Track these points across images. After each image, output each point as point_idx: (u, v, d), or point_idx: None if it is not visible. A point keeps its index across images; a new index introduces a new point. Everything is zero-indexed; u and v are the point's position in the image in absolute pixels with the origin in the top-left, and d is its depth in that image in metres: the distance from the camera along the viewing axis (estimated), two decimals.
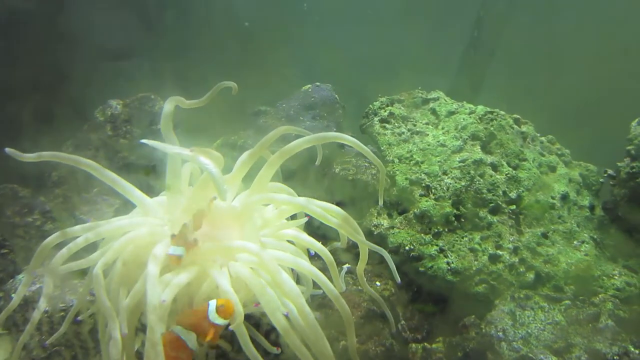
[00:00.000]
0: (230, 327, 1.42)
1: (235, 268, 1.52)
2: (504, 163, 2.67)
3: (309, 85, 3.31)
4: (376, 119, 3.04)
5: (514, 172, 2.64)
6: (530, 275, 2.35)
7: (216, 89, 1.91)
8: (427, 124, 2.99)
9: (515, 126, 2.94)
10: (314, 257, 1.78)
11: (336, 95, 3.25)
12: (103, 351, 1.55)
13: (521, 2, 5.69)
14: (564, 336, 1.91)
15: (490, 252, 2.38)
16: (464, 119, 2.87)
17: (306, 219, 1.79)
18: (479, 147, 2.73)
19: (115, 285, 1.47)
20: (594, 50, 6.07)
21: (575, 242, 2.53)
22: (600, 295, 2.15)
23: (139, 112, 2.87)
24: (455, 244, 2.40)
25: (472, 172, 2.57)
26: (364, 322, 2.04)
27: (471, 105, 3.04)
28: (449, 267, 2.33)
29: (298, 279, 1.81)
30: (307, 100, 3.14)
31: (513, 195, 2.56)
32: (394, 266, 1.80)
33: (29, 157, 1.47)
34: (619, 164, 2.60)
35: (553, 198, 2.66)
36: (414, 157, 2.72)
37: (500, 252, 2.38)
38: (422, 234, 2.43)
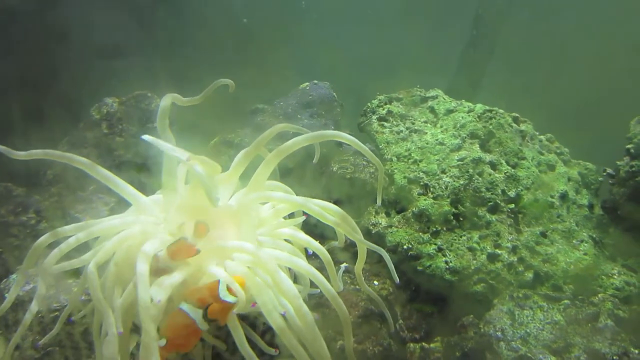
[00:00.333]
0: (227, 325, 1.40)
1: (231, 267, 1.50)
2: (503, 162, 2.66)
3: (307, 83, 3.29)
4: (374, 117, 3.02)
5: (512, 170, 2.63)
6: (529, 275, 2.34)
7: (212, 87, 1.89)
8: (425, 122, 2.97)
9: (514, 125, 2.93)
10: (311, 256, 1.77)
11: (334, 93, 3.24)
12: (97, 350, 1.53)
13: (520, 0, 5.69)
14: (563, 336, 1.89)
15: (489, 251, 2.36)
16: (462, 118, 2.85)
17: (304, 217, 1.78)
18: (478, 146, 2.71)
19: (109, 284, 1.45)
20: (593, 49, 6.06)
21: (574, 241, 2.52)
22: (599, 295, 2.14)
23: (135, 110, 2.85)
24: (453, 243, 2.39)
25: (470, 170, 2.56)
26: (362, 321, 2.02)
27: (470, 104, 3.02)
28: (447, 266, 2.31)
29: (295, 278, 1.80)
30: (305, 98, 3.12)
31: (512, 194, 2.55)
32: (392, 266, 1.78)
33: (20, 154, 1.45)
34: (618, 162, 2.59)
35: (552, 197, 2.65)
36: (413, 155, 2.70)
37: (499, 251, 2.37)
38: (421, 233, 2.42)
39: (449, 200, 2.48)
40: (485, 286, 2.29)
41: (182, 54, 4.24)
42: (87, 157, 1.58)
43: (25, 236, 2.37)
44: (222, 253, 1.56)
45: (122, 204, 1.74)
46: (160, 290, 1.34)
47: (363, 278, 1.94)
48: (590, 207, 2.72)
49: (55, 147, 2.80)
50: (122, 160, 2.71)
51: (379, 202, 2.03)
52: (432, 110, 3.04)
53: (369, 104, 3.15)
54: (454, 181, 2.53)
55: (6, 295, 1.83)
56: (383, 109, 3.04)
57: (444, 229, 2.43)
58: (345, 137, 1.74)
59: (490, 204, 2.51)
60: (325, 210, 1.68)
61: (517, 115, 3.03)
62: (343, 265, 2.31)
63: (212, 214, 1.71)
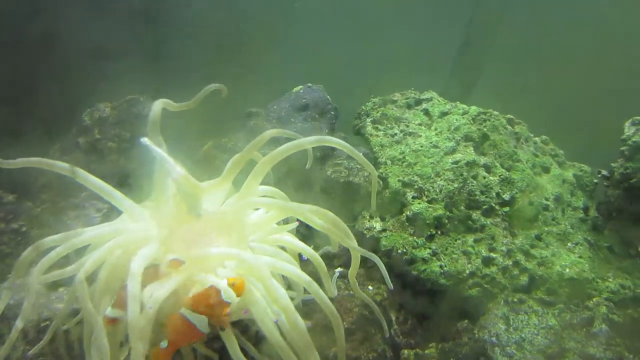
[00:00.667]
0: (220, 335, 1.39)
1: (222, 275, 1.48)
2: (497, 164, 2.65)
3: (301, 87, 3.27)
4: (368, 120, 3.01)
5: (507, 173, 2.62)
6: (524, 279, 2.33)
7: (204, 92, 1.88)
8: (420, 124, 2.96)
9: (508, 127, 2.92)
10: (306, 262, 1.76)
11: (328, 97, 3.22)
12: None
13: (514, 2, 5.69)
14: (558, 341, 1.89)
15: (484, 254, 2.35)
16: (457, 120, 2.85)
17: (297, 223, 1.77)
18: (472, 149, 2.71)
19: (99, 294, 1.44)
20: (588, 50, 6.07)
21: (569, 244, 2.51)
22: (594, 299, 2.13)
23: (127, 114, 2.83)
24: (448, 247, 2.38)
25: (465, 173, 2.55)
26: (356, 327, 2.01)
27: (464, 106, 3.02)
28: (441, 271, 2.30)
29: (289, 284, 1.79)
30: (299, 101, 3.11)
31: (506, 196, 2.54)
32: (386, 272, 1.77)
33: (5, 163, 1.44)
34: (612, 164, 2.58)
35: (547, 199, 2.64)
36: (407, 158, 2.69)
37: (494, 255, 2.36)
38: (415, 237, 2.40)
39: (443, 203, 2.47)
40: (480, 290, 2.28)
41: (175, 58, 4.22)
42: (78, 163, 1.57)
43: (17, 244, 2.35)
44: (213, 260, 1.55)
45: (115, 211, 1.72)
46: (150, 301, 1.33)
47: (357, 283, 1.92)
48: (585, 209, 2.72)
49: (46, 153, 2.78)
50: (115, 167, 2.69)
51: (373, 207, 2.03)
52: (426, 112, 3.03)
53: (363, 107, 3.14)
54: (448, 184, 2.52)
55: None
56: (377, 112, 3.03)
57: (439, 232, 2.42)
58: (337, 142, 1.72)
59: (484, 207, 2.50)
60: (319, 216, 1.66)
61: (511, 117, 3.03)
62: (337, 271, 2.29)
63: (203, 221, 1.69)
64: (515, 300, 2.12)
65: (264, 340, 1.51)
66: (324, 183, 2.71)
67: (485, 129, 2.77)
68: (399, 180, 2.60)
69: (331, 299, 1.59)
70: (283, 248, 1.77)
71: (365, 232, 2.50)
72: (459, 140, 2.74)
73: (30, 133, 2.90)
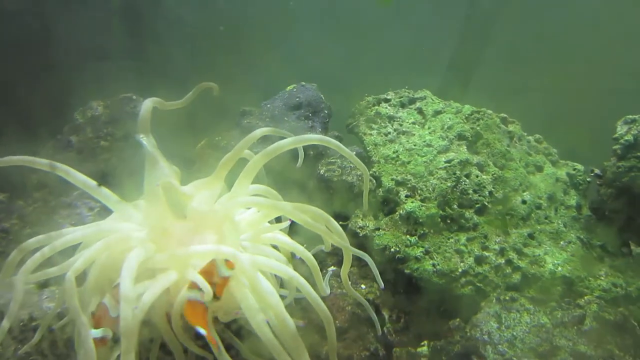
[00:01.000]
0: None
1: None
2: (491, 163, 2.66)
3: (294, 85, 3.27)
4: (362, 118, 3.01)
5: (500, 172, 2.62)
6: (517, 277, 2.33)
7: (197, 90, 1.88)
8: (413, 123, 2.96)
9: (502, 125, 2.92)
10: (298, 261, 1.75)
11: (321, 95, 3.22)
12: None
13: (509, 1, 5.70)
14: (549, 339, 1.89)
15: (477, 253, 2.36)
16: (450, 119, 2.85)
17: (289, 222, 1.76)
18: (465, 147, 2.71)
19: (88, 293, 1.43)
20: (582, 50, 6.09)
21: (561, 243, 2.52)
22: (586, 297, 2.14)
23: (120, 113, 2.82)
24: (441, 246, 2.38)
25: (458, 172, 2.55)
26: (349, 326, 2.01)
27: (458, 105, 3.02)
28: (434, 269, 2.31)
29: (282, 282, 1.78)
30: (292, 100, 3.10)
31: (499, 195, 2.55)
32: (377, 271, 1.77)
33: None
34: (605, 163, 2.59)
35: (540, 198, 2.65)
36: (400, 157, 2.69)
37: (487, 254, 2.36)
38: (408, 236, 2.41)
39: (436, 202, 2.47)
40: (472, 289, 2.29)
41: (168, 56, 4.21)
42: (70, 161, 1.56)
43: (8, 242, 2.34)
44: (203, 258, 1.55)
45: (107, 210, 1.72)
46: (141, 301, 1.32)
47: (350, 282, 1.92)
48: (578, 208, 2.73)
49: (38, 151, 2.77)
50: (108, 165, 2.68)
51: (365, 207, 2.03)
52: (420, 111, 3.03)
53: (357, 106, 3.14)
54: (442, 183, 2.52)
55: None
56: (371, 111, 3.03)
57: (432, 231, 2.42)
58: (329, 141, 1.72)
59: (477, 205, 2.51)
60: (312, 215, 1.66)
61: (505, 115, 3.03)
62: (330, 269, 2.29)
63: (195, 220, 1.69)
64: (507, 298, 2.12)
65: (256, 340, 1.51)
66: (317, 182, 2.70)
67: (478, 128, 2.78)
68: (392, 179, 2.60)
69: (324, 298, 1.58)
70: (275, 247, 1.76)
71: (359, 230, 2.50)
72: (452, 139, 2.74)
73: (20, 131, 2.88)
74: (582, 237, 2.58)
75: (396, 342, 2.18)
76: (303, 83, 3.27)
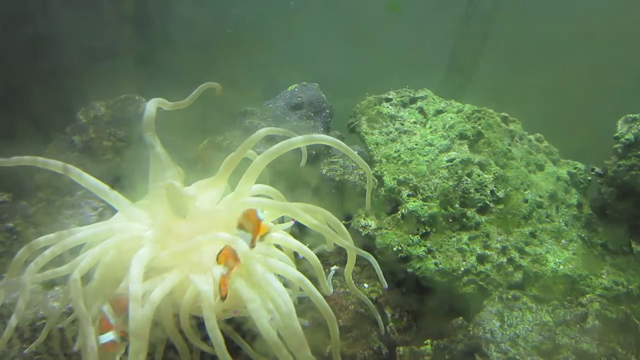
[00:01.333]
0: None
1: (218, 273, 1.49)
2: (492, 162, 2.66)
3: (296, 85, 3.28)
4: (364, 118, 3.02)
5: (501, 171, 2.63)
6: (519, 275, 2.34)
7: (199, 90, 1.89)
8: (415, 123, 2.97)
9: (503, 124, 2.93)
10: (301, 260, 1.76)
11: (323, 95, 3.22)
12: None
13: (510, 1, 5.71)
14: (552, 337, 1.90)
15: (479, 252, 2.36)
16: (451, 118, 2.86)
17: (292, 222, 1.77)
18: (467, 147, 2.72)
19: (93, 292, 1.44)
20: (583, 49, 6.09)
21: (563, 241, 2.53)
22: (587, 295, 2.14)
23: (122, 113, 2.83)
24: (443, 245, 2.39)
25: (459, 171, 2.56)
26: (352, 325, 2.02)
27: (459, 104, 3.02)
28: (436, 268, 2.31)
29: (285, 281, 1.79)
30: (294, 99, 3.11)
31: (501, 194, 2.55)
32: (380, 270, 1.78)
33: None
34: (606, 162, 2.60)
35: (541, 197, 2.65)
36: (402, 156, 2.70)
37: (489, 252, 2.37)
38: (410, 235, 2.41)
39: (438, 201, 2.48)
40: (474, 287, 2.30)
41: (170, 56, 4.21)
42: (73, 162, 1.57)
43: (12, 242, 2.35)
44: (203, 246, 1.56)
45: (110, 209, 1.73)
46: (148, 301, 1.33)
47: (353, 281, 1.93)
48: (579, 206, 2.73)
49: (42, 151, 2.78)
50: (110, 165, 2.69)
51: (368, 206, 2.04)
52: (421, 110, 3.04)
53: (358, 105, 3.14)
54: (443, 182, 2.53)
55: None
56: (372, 110, 3.04)
57: (434, 230, 2.43)
58: (332, 141, 1.73)
59: (479, 204, 2.51)
60: (314, 215, 1.67)
61: (506, 115, 3.03)
62: (333, 269, 2.30)
63: (199, 220, 1.70)
64: (510, 297, 2.13)
65: (259, 338, 1.52)
66: (320, 181, 2.71)
67: (479, 127, 2.78)
68: (394, 179, 2.60)
69: (327, 297, 1.59)
70: (278, 246, 1.77)
71: (361, 230, 2.51)
72: (454, 138, 2.75)
73: (25, 132, 2.89)
74: (583, 235, 2.59)
75: (399, 341, 2.19)
76: (304, 83, 3.28)
